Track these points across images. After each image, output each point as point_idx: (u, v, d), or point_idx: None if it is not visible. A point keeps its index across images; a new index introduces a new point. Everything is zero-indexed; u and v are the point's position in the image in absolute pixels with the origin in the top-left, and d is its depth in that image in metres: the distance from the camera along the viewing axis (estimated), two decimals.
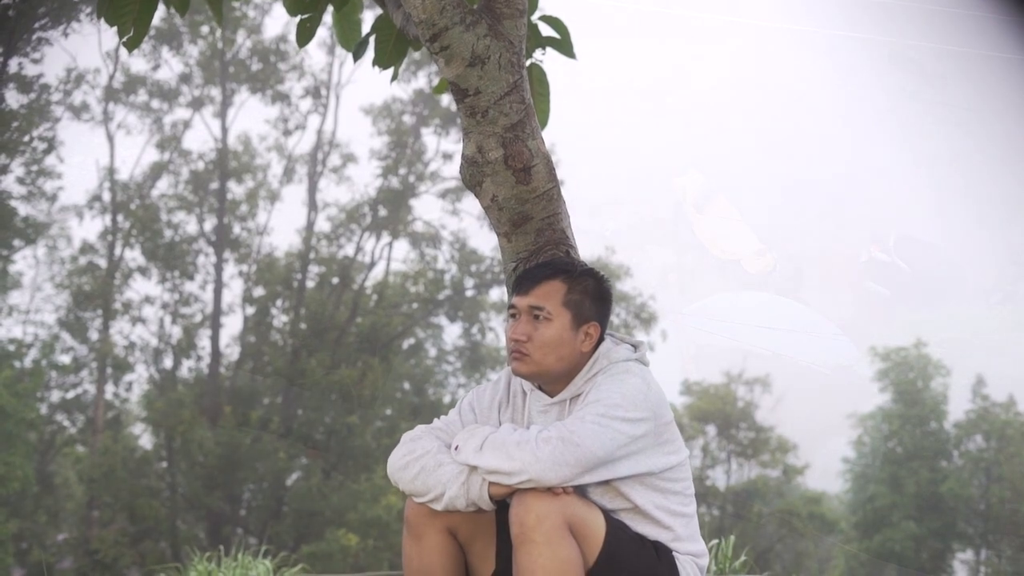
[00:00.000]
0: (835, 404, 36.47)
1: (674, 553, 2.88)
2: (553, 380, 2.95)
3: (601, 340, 2.99)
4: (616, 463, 2.74)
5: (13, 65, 22.65)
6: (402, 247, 28.69)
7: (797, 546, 32.01)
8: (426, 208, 40.85)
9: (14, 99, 23.22)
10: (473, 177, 3.54)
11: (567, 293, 2.93)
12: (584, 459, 2.67)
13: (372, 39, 4.77)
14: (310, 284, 27.54)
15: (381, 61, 4.78)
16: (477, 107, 3.46)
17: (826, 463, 34.69)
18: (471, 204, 28.09)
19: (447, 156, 27.83)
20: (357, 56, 4.89)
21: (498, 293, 28.17)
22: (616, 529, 2.77)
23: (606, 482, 2.80)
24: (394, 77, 5.04)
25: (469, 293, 27.92)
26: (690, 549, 2.92)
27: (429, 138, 28.02)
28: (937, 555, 31.31)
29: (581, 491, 2.79)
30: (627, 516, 2.85)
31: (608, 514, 2.80)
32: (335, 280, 27.41)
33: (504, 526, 2.79)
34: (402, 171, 27.42)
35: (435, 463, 2.79)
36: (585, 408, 2.78)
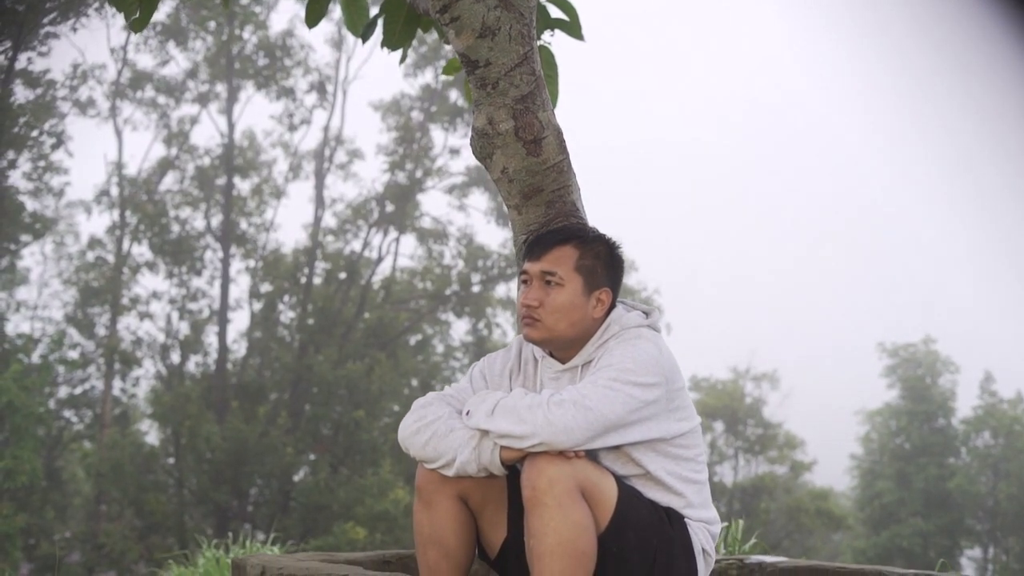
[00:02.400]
0: (843, 400, 36.39)
1: (686, 520, 2.86)
2: (565, 346, 2.93)
3: (613, 307, 2.97)
4: (628, 428, 2.72)
5: (22, 60, 22.67)
6: (409, 242, 28.73)
7: (805, 542, 31.96)
8: (433, 204, 40.90)
9: (22, 94, 23.24)
10: (484, 149, 3.53)
11: (579, 259, 2.91)
12: (596, 423, 2.65)
13: (380, 21, 4.73)
14: (317, 280, 27.55)
15: (390, 42, 4.76)
16: (487, 79, 3.45)
17: (834, 459, 34.63)
18: (478, 200, 28.09)
19: (454, 151, 27.83)
20: (365, 38, 4.86)
21: (505, 289, 28.18)
22: (628, 494, 2.76)
23: (617, 448, 2.78)
24: (402, 59, 5.03)
25: (476, 289, 27.90)
26: (702, 516, 2.90)
27: (436, 133, 28.04)
28: (945, 552, 31.20)
29: (593, 456, 2.77)
30: (639, 482, 2.83)
31: (620, 480, 2.78)
32: (342, 276, 27.41)
33: (515, 493, 2.78)
34: (409, 166, 27.41)
35: (446, 428, 2.77)
36: (597, 372, 2.76)
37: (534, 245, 2.96)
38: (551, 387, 2.92)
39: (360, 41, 4.83)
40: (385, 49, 4.82)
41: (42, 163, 24.60)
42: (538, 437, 2.63)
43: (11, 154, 23.34)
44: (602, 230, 3.05)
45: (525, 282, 2.94)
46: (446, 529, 2.81)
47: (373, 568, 4.00)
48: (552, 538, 2.59)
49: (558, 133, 3.53)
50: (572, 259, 2.91)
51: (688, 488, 2.87)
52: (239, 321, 27.89)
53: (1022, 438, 32.29)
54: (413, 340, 28.41)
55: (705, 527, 2.90)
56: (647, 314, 2.98)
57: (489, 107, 3.47)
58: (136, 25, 4.59)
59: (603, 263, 2.95)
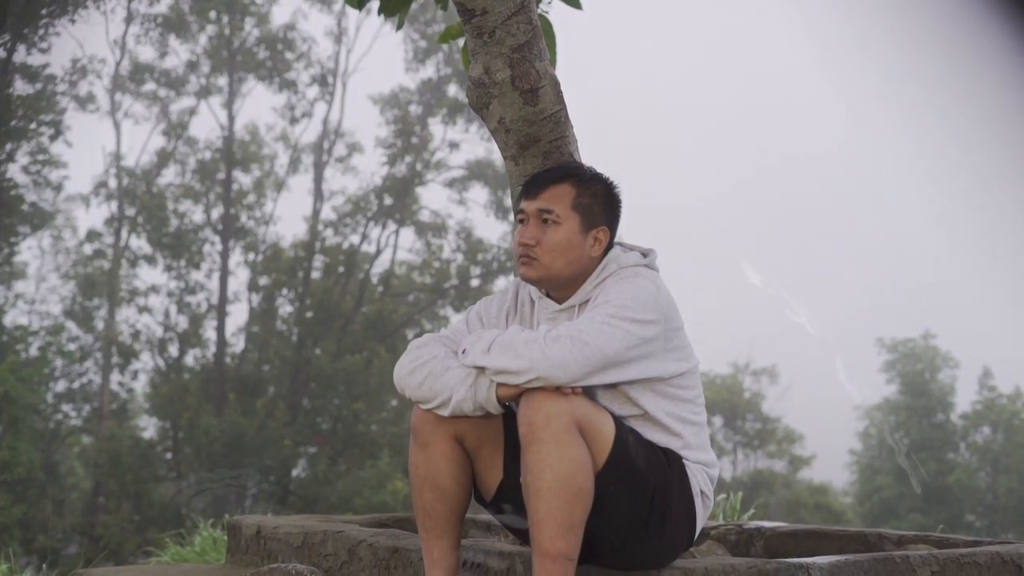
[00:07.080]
0: (842, 395, 36.35)
1: (684, 461, 2.82)
2: (562, 286, 2.90)
3: (610, 246, 2.94)
4: (625, 365, 2.68)
5: (22, 53, 22.64)
6: (408, 236, 28.73)
7: None
8: (432, 197, 40.88)
9: (21, 87, 23.21)
10: (480, 99, 3.49)
11: (576, 197, 2.87)
12: (593, 358, 2.61)
13: None
14: (316, 273, 27.53)
15: (387, 9, 4.72)
16: (484, 27, 3.41)
17: (833, 454, 34.61)
18: (477, 193, 28.08)
19: (454, 145, 27.84)
20: (360, 6, 4.83)
21: (504, 283, 28.14)
22: (626, 433, 2.72)
23: (615, 387, 2.75)
24: (399, 26, 4.99)
25: (475, 283, 27.88)
26: (700, 458, 2.86)
27: (436, 127, 28.05)
28: None
29: (590, 395, 2.74)
30: (637, 422, 2.79)
31: (618, 419, 2.74)
32: (341, 269, 27.39)
33: (512, 435, 2.74)
34: (408, 159, 27.40)
35: (442, 368, 2.73)
36: (595, 309, 2.73)
37: (531, 184, 2.93)
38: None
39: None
40: (382, 17, 4.79)
41: (41, 156, 24.56)
42: (534, 372, 2.58)
43: (9, 146, 23.31)
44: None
45: (522, 221, 2.90)
46: (442, 471, 2.77)
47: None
48: (549, 474, 2.55)
49: (555, 83, 3.49)
50: (569, 197, 2.87)
51: (686, 429, 2.83)
52: (238, 314, 27.92)
53: (1021, 433, 32.29)
54: (411, 334, 28.38)
55: (703, 469, 2.87)
56: (645, 254, 2.95)
57: (485, 56, 3.43)
58: None
59: (600, 201, 2.91)
